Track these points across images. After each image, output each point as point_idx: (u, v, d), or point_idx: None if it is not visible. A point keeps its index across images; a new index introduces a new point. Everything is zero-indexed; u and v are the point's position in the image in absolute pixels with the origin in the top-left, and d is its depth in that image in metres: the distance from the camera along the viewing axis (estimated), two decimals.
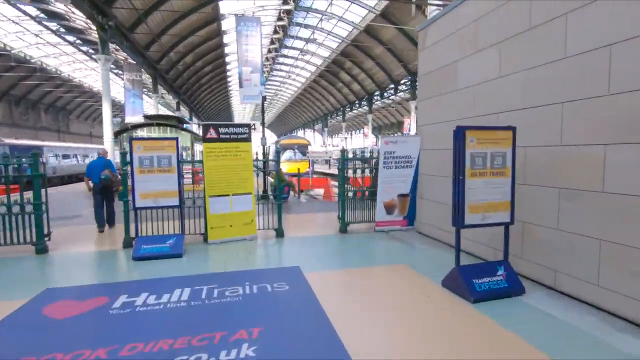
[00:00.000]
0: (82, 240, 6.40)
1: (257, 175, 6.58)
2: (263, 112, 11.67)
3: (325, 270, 4.63)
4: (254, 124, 11.52)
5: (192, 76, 33.12)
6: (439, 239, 5.94)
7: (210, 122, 6.62)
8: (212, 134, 5.91)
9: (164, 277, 4.36)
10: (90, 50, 32.72)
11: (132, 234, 5.75)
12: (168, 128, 17.28)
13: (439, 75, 5.84)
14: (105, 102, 14.50)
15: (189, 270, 4.62)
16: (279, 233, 6.42)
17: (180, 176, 5.40)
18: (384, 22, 24.93)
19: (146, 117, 17.62)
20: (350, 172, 7.16)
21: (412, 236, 6.41)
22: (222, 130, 5.97)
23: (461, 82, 5.27)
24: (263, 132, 11.68)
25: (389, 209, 6.67)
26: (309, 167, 21.70)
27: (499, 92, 4.53)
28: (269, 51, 38.31)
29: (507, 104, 4.40)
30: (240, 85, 16.23)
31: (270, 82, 55.07)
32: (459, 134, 3.58)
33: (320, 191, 18.99)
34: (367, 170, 7.30)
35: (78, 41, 31.14)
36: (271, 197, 11.55)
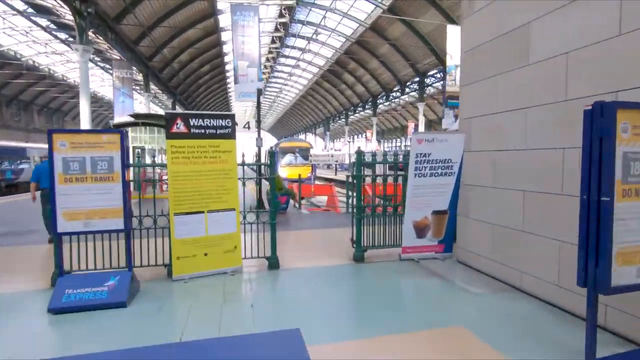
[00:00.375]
0: (6, 269, 4.73)
1: (244, 184, 4.90)
2: (259, 106, 10.04)
3: (338, 340, 2.92)
4: (247, 123, 9.89)
5: (189, 76, 31.64)
6: (495, 276, 4.25)
7: (177, 111, 5.01)
8: (179, 127, 4.25)
9: (76, 354, 2.67)
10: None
11: (68, 264, 4.09)
12: (156, 129, 15.67)
13: (497, 46, 4.19)
14: (83, 97, 12.91)
15: (127, 337, 2.94)
16: (273, 264, 4.73)
17: (127, 185, 3.73)
18: (391, 18, 23.43)
19: (132, 115, 16.00)
20: (370, 180, 5.49)
21: (452, 268, 4.72)
22: (194, 122, 4.31)
23: (538, 52, 3.61)
24: (259, 131, 10.03)
25: (420, 230, 4.99)
26: (310, 172, 20.06)
27: (617, 59, 2.87)
28: (270, 51, 36.90)
29: (637, 76, 2.73)
30: (236, 81, 14.68)
31: (271, 85, 53.67)
32: (604, 115, 1.90)
33: (323, 199, 17.32)
34: (388, 178, 5.60)
35: (70, 39, 29.74)
36: (268, 209, 9.89)
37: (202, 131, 4.34)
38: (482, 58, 4.44)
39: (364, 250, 5.07)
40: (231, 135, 4.51)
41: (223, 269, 4.48)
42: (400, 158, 5.48)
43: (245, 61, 14.63)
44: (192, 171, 4.29)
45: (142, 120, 14.88)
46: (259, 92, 9.84)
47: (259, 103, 9.95)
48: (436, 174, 4.80)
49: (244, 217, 4.70)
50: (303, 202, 16.85)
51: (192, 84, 34.54)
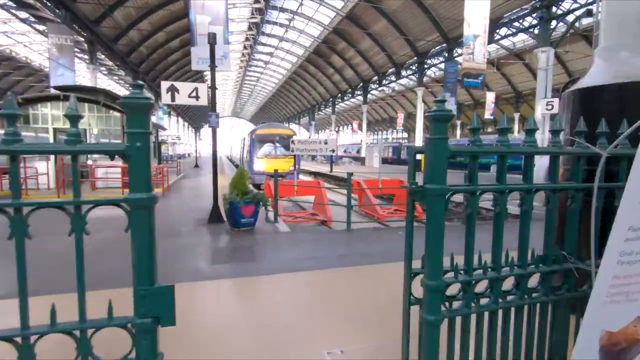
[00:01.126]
0: None
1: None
2: (213, 65, 6.45)
3: None
4: (195, 89, 6.36)
5: (155, 50, 27.37)
6: None
7: None
8: None
9: None
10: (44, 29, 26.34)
11: None
12: (87, 105, 11.88)
13: None
14: None
15: None
16: None
17: None
18: None
19: (57, 88, 12.14)
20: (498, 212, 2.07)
21: None
22: None
23: None
24: (213, 105, 6.51)
25: (617, 355, 1.69)
26: (293, 166, 16.66)
27: None
28: (249, 28, 32.90)
29: None
30: (193, 43, 10.97)
31: (251, 68, 49.53)
32: None
33: (309, 199, 14.04)
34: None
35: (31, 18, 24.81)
36: (227, 224, 6.46)
37: None
38: None
39: None
40: None
41: None
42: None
43: (207, 16, 10.96)
44: None
45: (64, 93, 11.09)
46: (212, 38, 6.26)
47: (212, 58, 6.38)
48: None
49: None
50: (285, 202, 13.45)
51: (159, 62, 30.20)
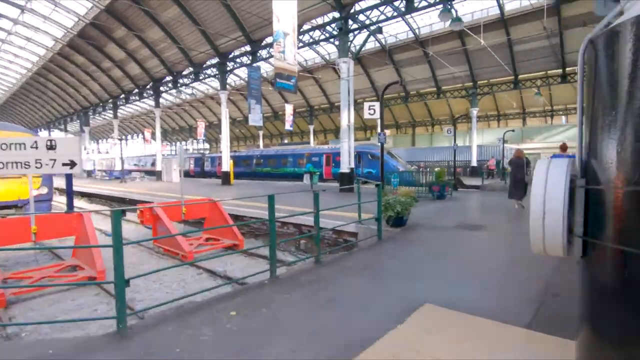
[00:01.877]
0: None
1: None
2: None
3: None
4: None
5: None
6: None
7: None
8: None
9: None
10: None
11: None
12: None
13: None
14: None
15: None
16: None
17: None
18: None
19: None
20: None
21: None
22: None
23: None
24: None
25: None
26: (40, 189, 10.78)
27: None
28: None
29: None
30: None
31: None
32: None
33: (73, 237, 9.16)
34: None
35: None
36: None
37: None
38: None
39: None
40: None
41: None
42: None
43: None
44: None
45: None
46: None
47: None
48: None
49: None
50: (26, 248, 8.06)
51: None
